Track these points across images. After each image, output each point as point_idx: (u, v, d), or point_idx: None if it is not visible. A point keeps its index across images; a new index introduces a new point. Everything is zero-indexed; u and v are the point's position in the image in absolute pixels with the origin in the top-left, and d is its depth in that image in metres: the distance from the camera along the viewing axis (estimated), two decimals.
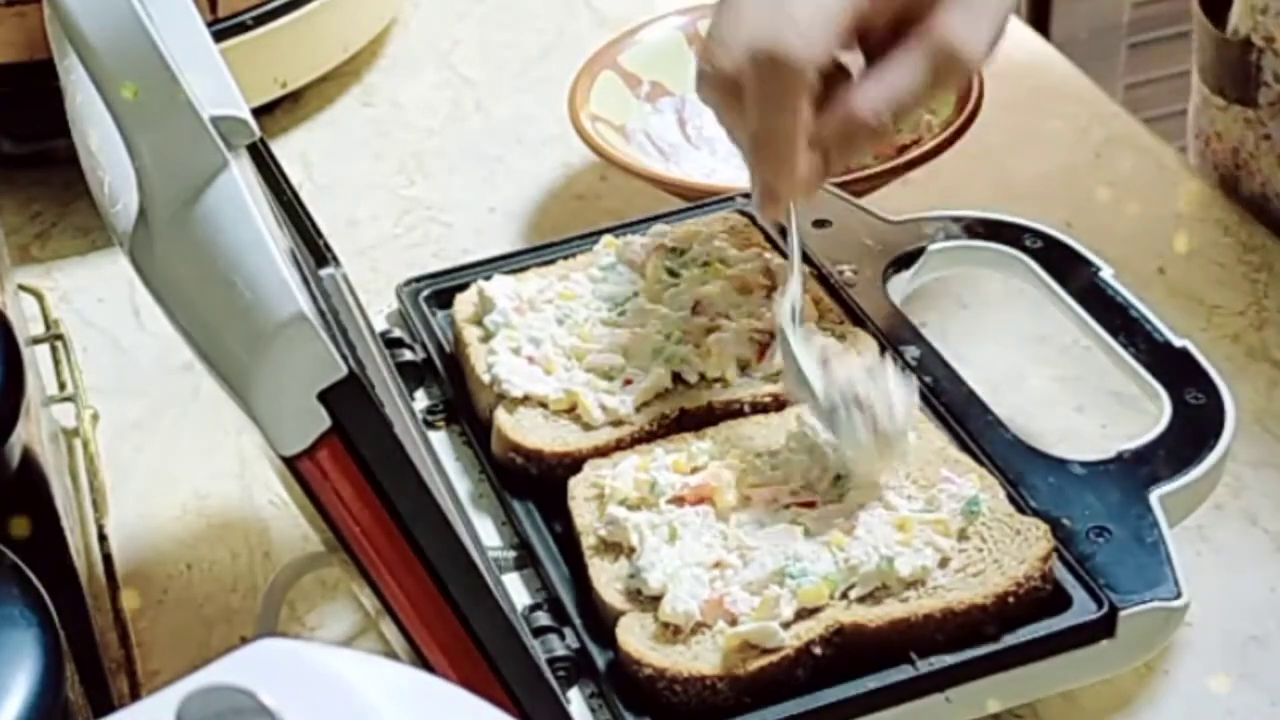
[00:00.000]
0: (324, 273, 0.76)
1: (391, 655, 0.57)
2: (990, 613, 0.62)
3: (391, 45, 1.14)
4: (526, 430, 0.71)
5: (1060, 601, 0.63)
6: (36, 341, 0.86)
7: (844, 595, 0.63)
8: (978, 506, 0.65)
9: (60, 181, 1.00)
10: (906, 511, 0.65)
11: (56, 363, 0.85)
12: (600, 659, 0.63)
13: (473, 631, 0.55)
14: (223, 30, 0.99)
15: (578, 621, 0.65)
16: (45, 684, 0.50)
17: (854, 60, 0.68)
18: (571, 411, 0.72)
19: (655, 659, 0.61)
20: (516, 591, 0.67)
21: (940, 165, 0.92)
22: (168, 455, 0.83)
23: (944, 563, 0.64)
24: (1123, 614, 0.63)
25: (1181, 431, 0.70)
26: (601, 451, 0.70)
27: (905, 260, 0.80)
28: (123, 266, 0.55)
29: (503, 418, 0.71)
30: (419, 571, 0.54)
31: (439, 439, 0.75)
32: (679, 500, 0.67)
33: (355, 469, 0.52)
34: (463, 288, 0.79)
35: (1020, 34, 1.11)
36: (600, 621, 0.64)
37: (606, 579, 0.65)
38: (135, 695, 0.69)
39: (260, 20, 1.01)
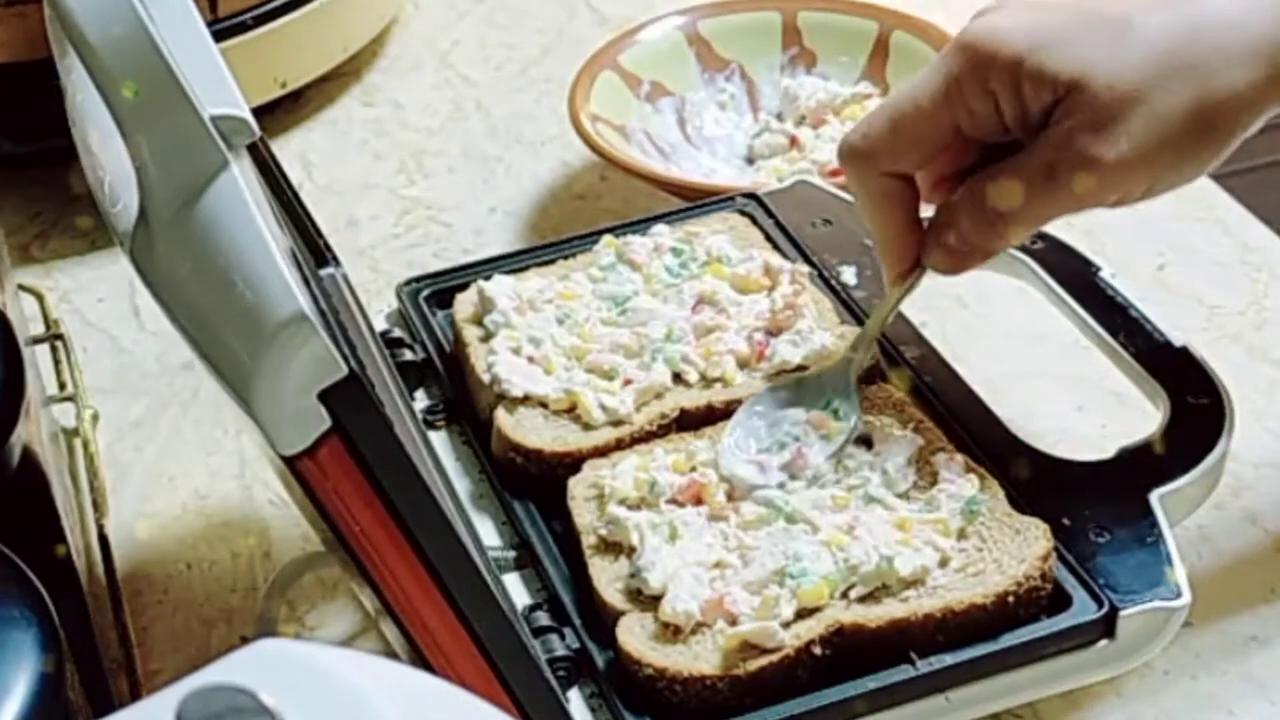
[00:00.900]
0: (324, 273, 0.76)
1: (391, 655, 0.57)
2: (990, 612, 0.62)
3: (391, 45, 1.14)
4: (526, 430, 0.71)
5: (1060, 601, 0.63)
6: (36, 341, 0.85)
7: (844, 595, 0.63)
8: (978, 506, 0.65)
9: (60, 181, 1.00)
10: (906, 512, 0.65)
11: (56, 363, 0.85)
12: (600, 659, 0.63)
13: (473, 631, 0.55)
14: (223, 30, 0.99)
15: (578, 621, 0.65)
16: (45, 684, 0.50)
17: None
18: (571, 411, 0.72)
19: (655, 659, 0.61)
20: (516, 591, 0.67)
21: None
22: (168, 455, 0.83)
23: (944, 562, 0.64)
24: (1123, 614, 0.63)
25: (1181, 431, 0.70)
26: (601, 451, 0.70)
27: None
28: (123, 266, 0.55)
29: (503, 418, 0.71)
30: (419, 571, 0.54)
31: (439, 439, 0.75)
32: (678, 500, 0.67)
33: (355, 469, 0.52)
34: (463, 288, 0.79)
35: None
36: (600, 621, 0.64)
37: (607, 579, 0.65)
38: (135, 695, 0.69)
39: (260, 20, 1.01)
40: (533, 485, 0.70)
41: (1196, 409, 0.71)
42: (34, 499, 0.62)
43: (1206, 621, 0.69)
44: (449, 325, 0.79)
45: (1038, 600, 0.63)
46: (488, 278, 0.78)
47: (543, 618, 0.65)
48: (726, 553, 0.65)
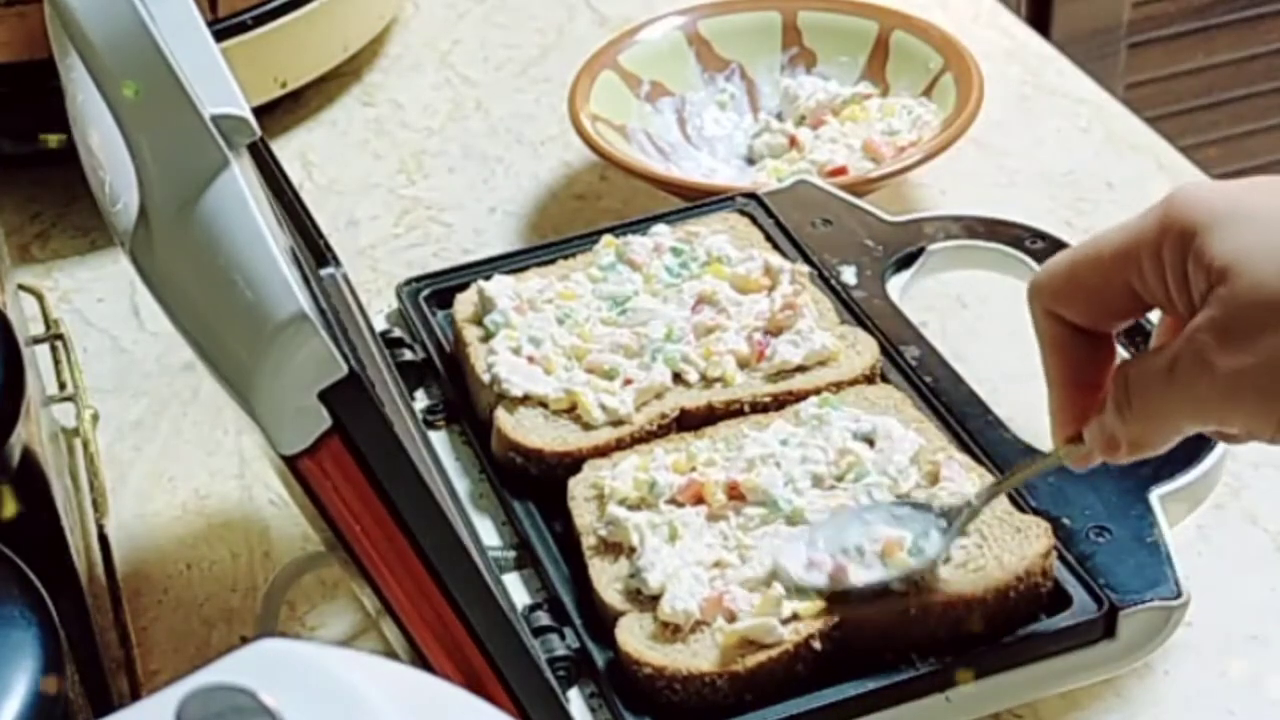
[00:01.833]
0: (324, 272, 0.76)
1: (391, 655, 0.57)
2: (991, 608, 0.62)
3: (391, 45, 1.14)
4: (526, 430, 0.71)
5: (1060, 601, 0.64)
6: (36, 341, 0.85)
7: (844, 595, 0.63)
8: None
9: (60, 181, 1.00)
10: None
11: (56, 363, 0.85)
12: (600, 659, 0.63)
13: (473, 631, 0.55)
14: (223, 30, 0.99)
15: (578, 621, 0.65)
16: (45, 684, 0.50)
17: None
18: (571, 411, 0.72)
19: (655, 658, 0.61)
20: (516, 591, 0.67)
21: (940, 165, 0.92)
22: (168, 455, 0.83)
23: (945, 560, 0.64)
24: (1123, 614, 0.63)
25: None
26: (601, 451, 0.70)
27: (905, 260, 0.80)
28: (123, 266, 0.56)
29: (503, 417, 0.71)
30: (419, 571, 0.54)
31: (439, 439, 0.75)
32: (678, 500, 0.67)
33: (355, 469, 0.52)
34: (463, 288, 0.79)
35: (1020, 34, 1.11)
36: (600, 621, 0.64)
37: (607, 579, 0.65)
38: (135, 695, 0.69)
39: (260, 20, 1.01)
40: (533, 485, 0.70)
41: None
42: (34, 499, 0.62)
43: (1206, 621, 0.69)
44: (449, 325, 0.79)
45: (1038, 598, 0.63)
46: (488, 278, 0.78)
47: (543, 618, 0.65)
48: (726, 552, 0.65)
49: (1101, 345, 0.60)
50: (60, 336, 0.87)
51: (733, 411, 0.72)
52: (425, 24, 1.16)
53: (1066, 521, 0.66)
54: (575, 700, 0.62)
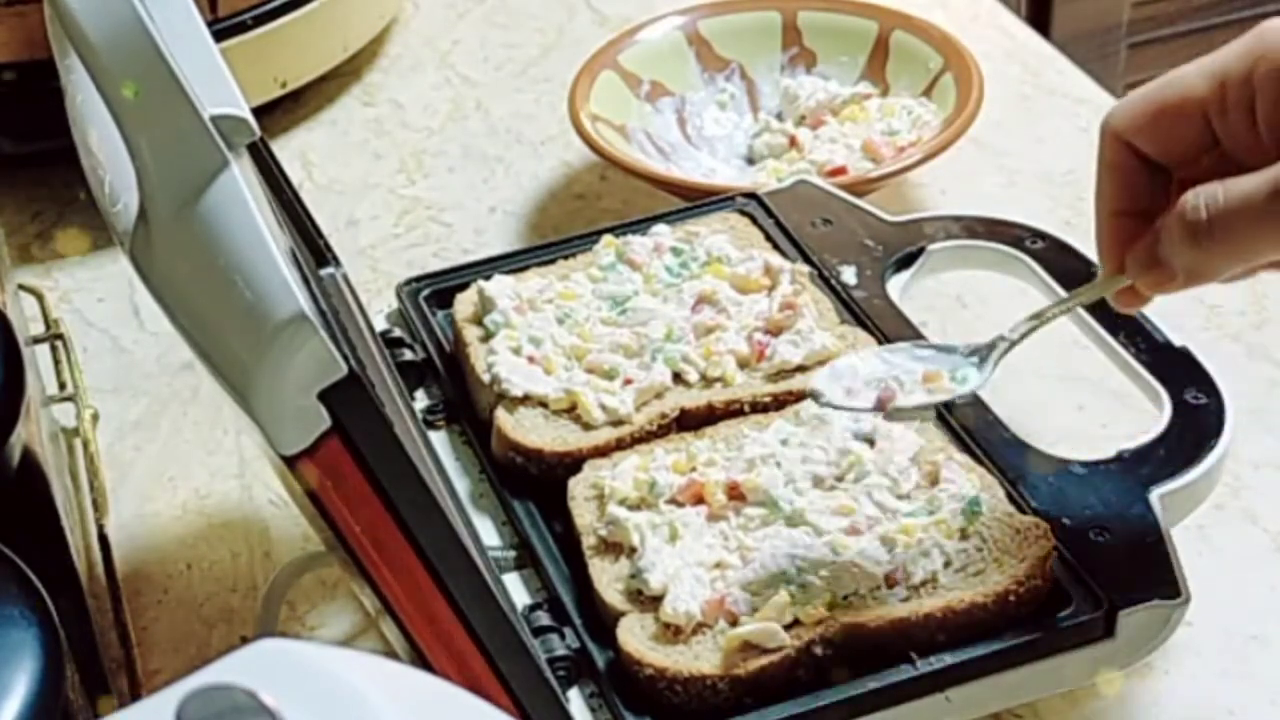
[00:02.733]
0: (324, 272, 0.76)
1: (391, 655, 0.57)
2: (991, 612, 0.62)
3: (391, 45, 1.14)
4: (526, 430, 0.71)
5: (1060, 601, 0.63)
6: (36, 341, 0.86)
7: (844, 597, 0.63)
8: (979, 506, 0.65)
9: (60, 181, 1.00)
10: (906, 519, 0.65)
11: (56, 363, 0.85)
12: (600, 659, 0.63)
13: (473, 631, 0.55)
14: (223, 30, 0.99)
15: (578, 621, 0.65)
16: (45, 684, 0.50)
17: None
18: (571, 411, 0.72)
19: (656, 659, 0.61)
20: (516, 591, 0.67)
21: (940, 165, 0.92)
22: (168, 455, 0.83)
23: (945, 563, 0.64)
24: (1123, 614, 0.63)
25: (1181, 431, 0.70)
26: (601, 451, 0.70)
27: (905, 260, 0.80)
28: (123, 266, 0.56)
29: (503, 417, 0.71)
30: (419, 571, 0.54)
31: (439, 439, 0.75)
32: (678, 501, 0.67)
33: (355, 469, 0.52)
34: (463, 287, 0.79)
35: (1020, 34, 1.11)
36: (600, 621, 0.64)
37: (607, 579, 0.65)
38: (135, 695, 0.69)
39: (260, 20, 1.01)
40: (533, 485, 0.70)
41: (1196, 409, 0.71)
42: (34, 499, 0.62)
43: (1206, 621, 0.69)
44: (449, 325, 0.79)
45: (1038, 599, 0.63)
46: (488, 277, 0.78)
47: (543, 618, 0.65)
48: (727, 553, 0.65)
49: (1160, 180, 0.61)
50: (60, 336, 0.87)
51: (733, 411, 0.72)
52: (425, 24, 1.16)
53: (1066, 521, 0.66)
54: (575, 700, 0.62)
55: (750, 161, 0.97)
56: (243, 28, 1.01)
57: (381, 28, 1.12)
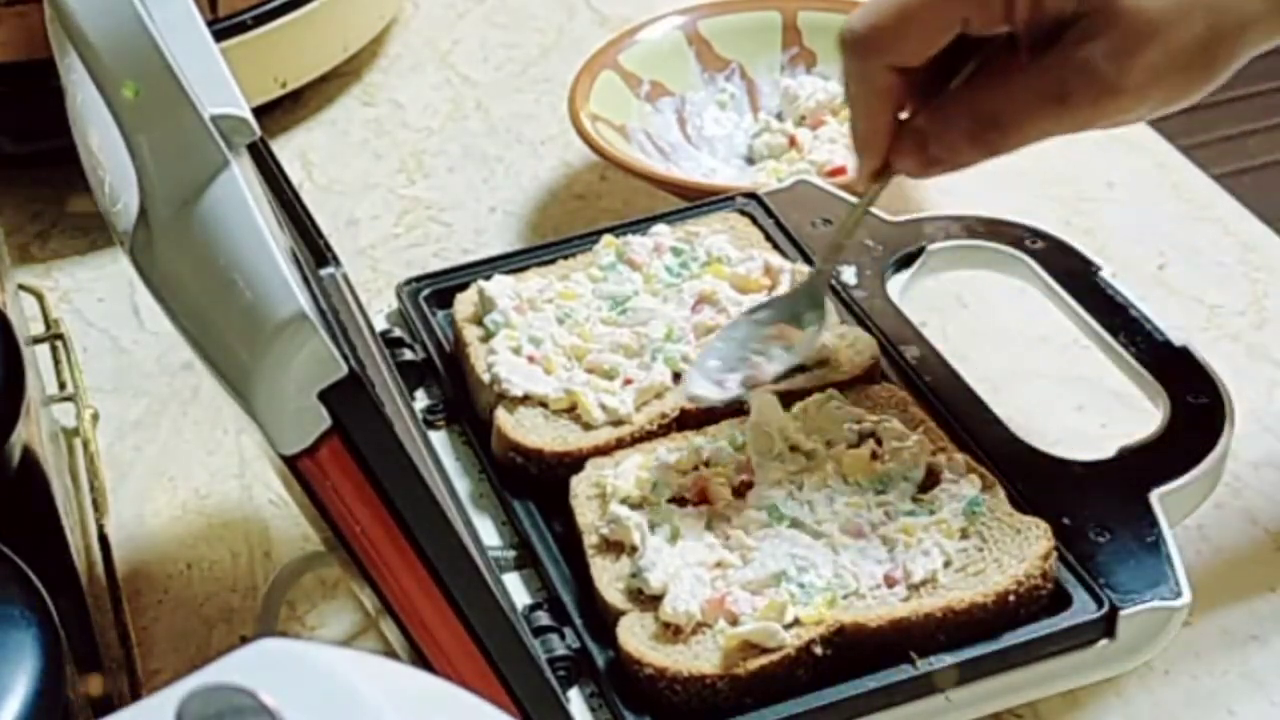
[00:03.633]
0: (324, 272, 0.76)
1: (391, 655, 0.57)
2: (991, 612, 0.62)
3: (391, 45, 1.14)
4: (526, 430, 0.71)
5: (1060, 601, 0.64)
6: (36, 341, 0.86)
7: (845, 597, 0.63)
8: (979, 506, 0.65)
9: (60, 181, 1.00)
10: (906, 519, 0.65)
11: (56, 363, 0.85)
12: (600, 658, 0.63)
13: (473, 631, 0.55)
14: (223, 30, 0.99)
15: (578, 621, 0.65)
16: (45, 684, 0.50)
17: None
18: (572, 411, 0.72)
19: (656, 659, 0.61)
20: (516, 591, 0.67)
21: None
22: (168, 455, 0.83)
23: (945, 563, 0.64)
24: (1123, 614, 0.63)
25: (1181, 431, 0.70)
26: (601, 451, 0.70)
27: (905, 260, 0.80)
28: (123, 266, 0.56)
29: (503, 417, 0.71)
30: (419, 571, 0.54)
31: (439, 439, 0.75)
32: (680, 499, 0.67)
33: (355, 469, 0.52)
34: (463, 287, 0.79)
35: None
36: (601, 621, 0.64)
37: (608, 579, 0.65)
38: (135, 695, 0.69)
39: (260, 20, 1.01)
40: (533, 485, 0.70)
41: (1196, 409, 0.71)
42: (34, 499, 0.62)
43: (1206, 621, 0.69)
44: (449, 325, 0.79)
45: (1038, 599, 0.63)
46: (488, 277, 0.78)
47: (543, 618, 0.65)
48: (728, 553, 0.65)
49: (905, 79, 0.64)
50: (60, 336, 0.87)
51: (733, 411, 0.72)
52: (425, 24, 1.16)
53: (1066, 522, 0.66)
54: (575, 700, 0.62)
55: (750, 161, 0.97)
56: (243, 28, 1.01)
57: (381, 28, 1.12)
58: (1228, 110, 1.91)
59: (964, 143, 0.64)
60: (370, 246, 0.96)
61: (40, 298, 0.91)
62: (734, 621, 0.62)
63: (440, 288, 0.81)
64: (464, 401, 0.75)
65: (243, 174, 0.51)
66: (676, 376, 0.73)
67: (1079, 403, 0.81)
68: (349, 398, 0.51)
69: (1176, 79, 0.62)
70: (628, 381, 0.72)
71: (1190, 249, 0.90)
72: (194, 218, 0.50)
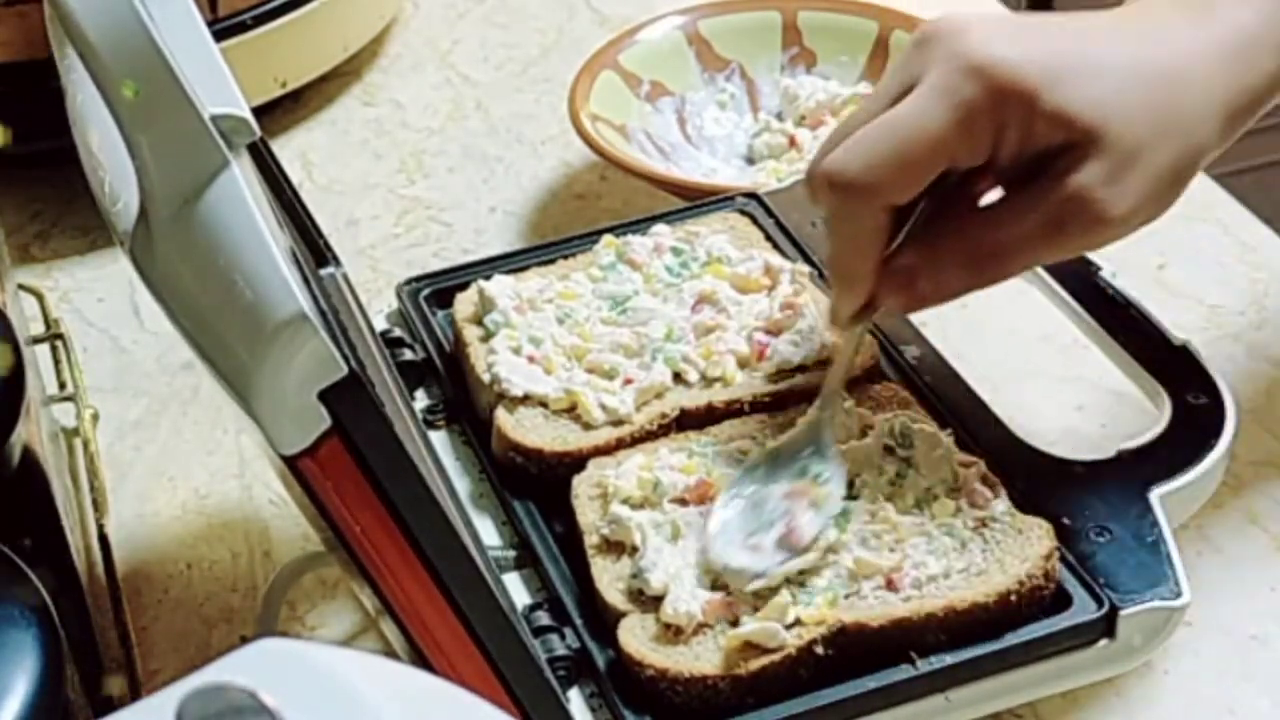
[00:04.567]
0: (324, 272, 0.76)
1: (391, 655, 0.57)
2: (992, 611, 0.62)
3: (391, 45, 1.14)
4: (527, 429, 0.71)
5: (1060, 601, 0.63)
6: (36, 341, 0.85)
7: (846, 596, 0.63)
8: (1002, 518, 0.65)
9: (60, 181, 1.00)
10: (903, 519, 0.65)
11: (56, 363, 0.85)
12: (601, 658, 0.63)
13: (473, 631, 0.55)
14: (223, 30, 0.99)
15: (578, 621, 0.65)
16: (45, 684, 0.50)
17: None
18: (572, 411, 0.72)
19: (657, 660, 0.61)
20: (516, 591, 0.67)
21: None
22: (168, 455, 0.83)
23: (946, 563, 0.64)
24: (1123, 614, 0.63)
25: (1181, 431, 0.70)
26: (602, 451, 0.70)
27: None
28: (123, 266, 0.56)
29: (503, 417, 0.71)
30: (419, 571, 0.54)
31: (439, 439, 0.75)
32: (682, 500, 0.67)
33: (355, 469, 0.52)
34: (463, 287, 0.79)
35: None
36: (601, 620, 0.64)
37: (609, 579, 0.65)
38: (135, 695, 0.69)
39: (260, 20, 1.01)
40: (533, 485, 0.70)
41: (1196, 409, 0.71)
42: (34, 499, 0.62)
43: (1206, 621, 0.69)
44: (449, 325, 0.79)
45: (1040, 599, 0.63)
46: (488, 277, 0.78)
47: (543, 618, 0.65)
48: None
49: (899, 214, 0.64)
50: (60, 336, 0.87)
51: (733, 411, 0.72)
52: (425, 24, 1.16)
53: (1067, 522, 0.66)
54: (575, 700, 0.62)
55: (750, 161, 0.97)
56: (243, 28, 1.01)
57: (381, 28, 1.12)
58: None
59: (957, 278, 0.64)
60: (370, 246, 0.96)
61: (40, 298, 0.91)
62: (734, 622, 0.62)
63: (440, 288, 0.81)
64: (464, 401, 0.75)
65: (243, 174, 0.51)
66: (677, 376, 0.73)
67: (1079, 403, 0.81)
68: (349, 398, 0.51)
69: (1156, 201, 0.63)
70: (628, 381, 0.72)
71: (1190, 249, 0.90)
72: (194, 218, 0.50)
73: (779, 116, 0.99)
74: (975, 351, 0.82)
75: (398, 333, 0.79)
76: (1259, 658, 0.69)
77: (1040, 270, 0.78)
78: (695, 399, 0.72)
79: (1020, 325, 0.85)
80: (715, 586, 0.63)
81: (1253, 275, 0.88)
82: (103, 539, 0.75)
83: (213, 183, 0.50)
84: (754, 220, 0.82)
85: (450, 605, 0.54)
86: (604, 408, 0.71)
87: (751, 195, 0.85)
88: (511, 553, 0.69)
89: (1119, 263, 0.79)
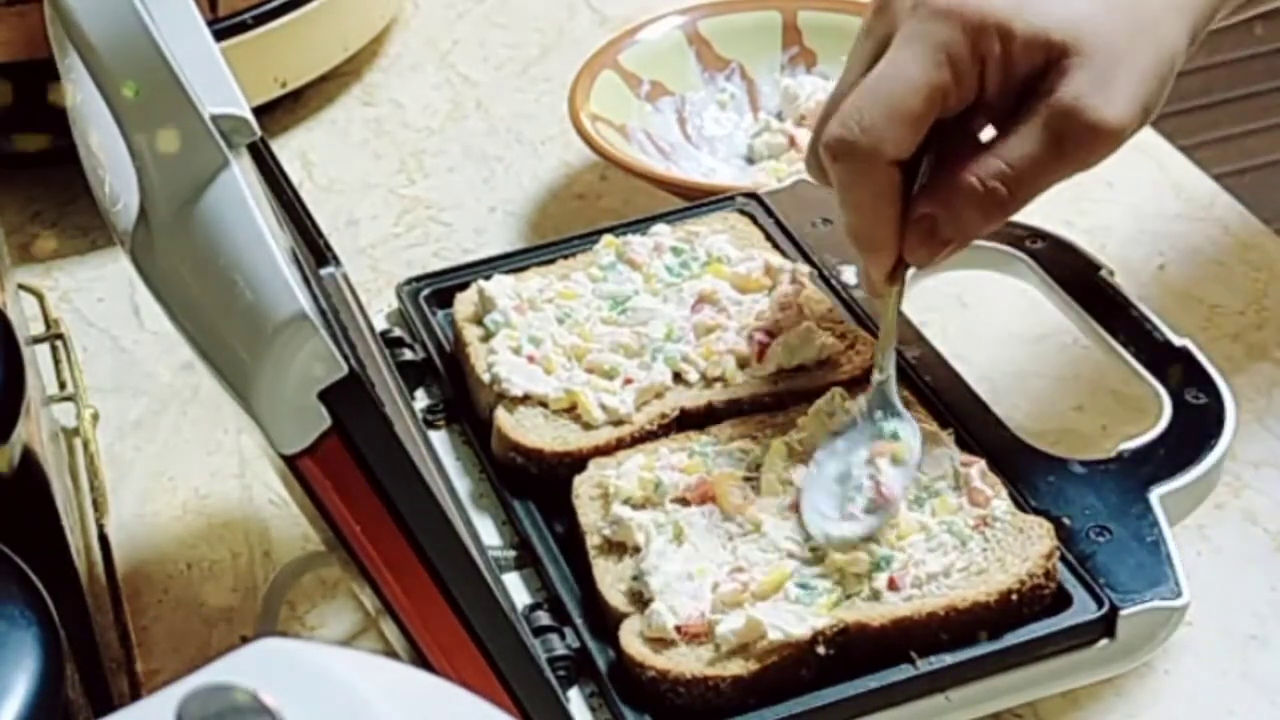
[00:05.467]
0: (324, 272, 0.76)
1: (391, 655, 0.57)
2: (993, 611, 0.62)
3: (391, 45, 1.14)
4: (527, 429, 0.71)
5: (1060, 601, 0.64)
6: (36, 341, 0.86)
7: (848, 596, 0.63)
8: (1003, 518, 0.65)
9: (60, 181, 1.00)
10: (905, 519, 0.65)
11: (56, 363, 0.85)
12: (601, 658, 0.63)
13: (473, 631, 0.55)
14: (223, 30, 0.99)
15: (579, 621, 0.65)
16: (45, 684, 0.50)
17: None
18: (572, 411, 0.72)
19: (659, 662, 0.61)
20: (516, 591, 0.67)
21: None
22: (168, 455, 0.83)
23: (947, 562, 0.64)
24: (1123, 614, 0.63)
25: (1181, 431, 0.70)
26: (602, 451, 0.70)
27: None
28: (123, 266, 0.56)
29: (503, 417, 0.71)
30: (419, 571, 0.54)
31: (439, 439, 0.75)
32: (683, 500, 0.67)
33: (355, 469, 0.52)
34: (463, 287, 0.79)
35: None
36: (601, 621, 0.64)
37: (610, 580, 0.65)
38: (135, 695, 0.69)
39: (260, 20, 1.01)
40: (533, 485, 0.70)
41: (1196, 409, 0.71)
42: (34, 499, 0.62)
43: (1206, 621, 0.69)
44: (449, 325, 0.79)
45: (1040, 599, 0.63)
46: (488, 277, 0.78)
47: (543, 618, 0.65)
48: (731, 555, 0.65)
49: (907, 172, 0.65)
50: (60, 336, 0.87)
51: (733, 411, 0.72)
52: (425, 24, 1.16)
53: (1066, 522, 0.66)
54: (575, 700, 0.62)
55: (750, 161, 0.97)
56: (243, 28, 1.01)
57: (381, 28, 1.12)
58: (1228, 110, 1.91)
59: (975, 217, 0.65)
60: (370, 246, 0.96)
61: (40, 298, 0.91)
62: (735, 623, 0.62)
63: (440, 288, 0.81)
64: (464, 401, 0.75)
65: (243, 174, 0.51)
66: (677, 376, 0.73)
67: (1079, 403, 0.81)
68: (349, 398, 0.51)
69: (1143, 103, 0.64)
70: (628, 381, 0.72)
71: (1190, 249, 0.90)
72: (194, 218, 0.50)
73: (779, 116, 0.99)
74: (975, 351, 0.82)
75: (398, 333, 0.79)
76: (1259, 658, 0.69)
77: (1040, 270, 0.78)
78: (695, 399, 0.72)
79: (1020, 325, 0.85)
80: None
81: (1253, 275, 0.88)
82: (103, 539, 0.75)
83: (213, 183, 0.50)
84: (754, 220, 0.82)
85: (450, 605, 0.55)
86: (604, 408, 0.71)
87: (751, 195, 0.85)
88: (511, 553, 0.69)
89: (1119, 263, 0.79)
